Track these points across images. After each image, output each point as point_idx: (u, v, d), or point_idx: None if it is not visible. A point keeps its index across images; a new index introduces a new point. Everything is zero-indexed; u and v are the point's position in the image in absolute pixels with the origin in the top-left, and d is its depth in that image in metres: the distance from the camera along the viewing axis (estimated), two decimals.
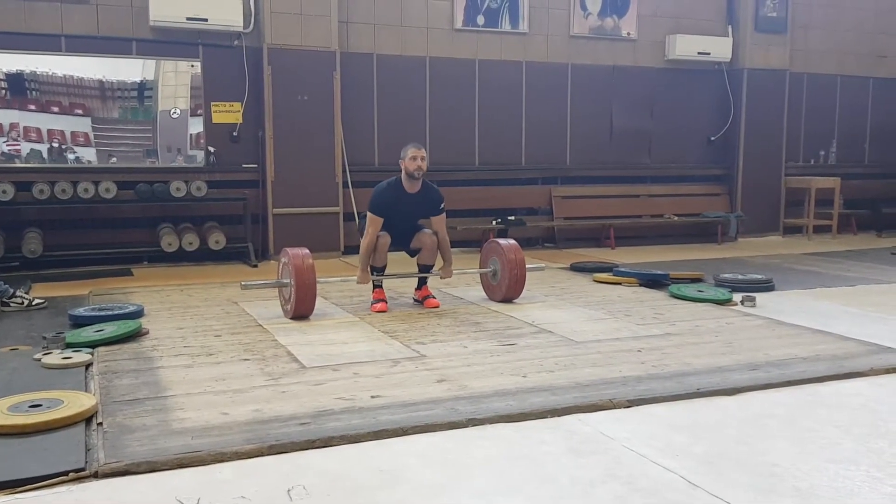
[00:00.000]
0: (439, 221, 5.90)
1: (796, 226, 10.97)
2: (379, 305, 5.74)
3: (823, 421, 3.44)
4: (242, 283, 5.68)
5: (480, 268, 6.31)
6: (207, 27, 8.02)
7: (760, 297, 6.04)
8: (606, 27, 10.08)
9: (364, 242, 5.75)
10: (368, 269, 5.80)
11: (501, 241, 6.21)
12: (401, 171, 5.77)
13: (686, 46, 10.20)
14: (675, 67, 10.42)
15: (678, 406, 3.62)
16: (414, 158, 5.67)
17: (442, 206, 5.89)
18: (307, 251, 5.49)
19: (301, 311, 5.39)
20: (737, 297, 6.05)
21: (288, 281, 5.46)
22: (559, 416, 3.46)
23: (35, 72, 7.83)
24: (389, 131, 9.01)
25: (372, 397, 3.67)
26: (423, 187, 5.82)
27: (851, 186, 11.22)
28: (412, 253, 6.02)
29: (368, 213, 5.75)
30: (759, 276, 6.77)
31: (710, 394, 3.78)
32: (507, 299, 6.02)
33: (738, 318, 5.49)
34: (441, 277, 6.01)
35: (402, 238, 5.90)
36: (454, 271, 6.06)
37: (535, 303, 6.03)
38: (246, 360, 4.37)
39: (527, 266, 6.08)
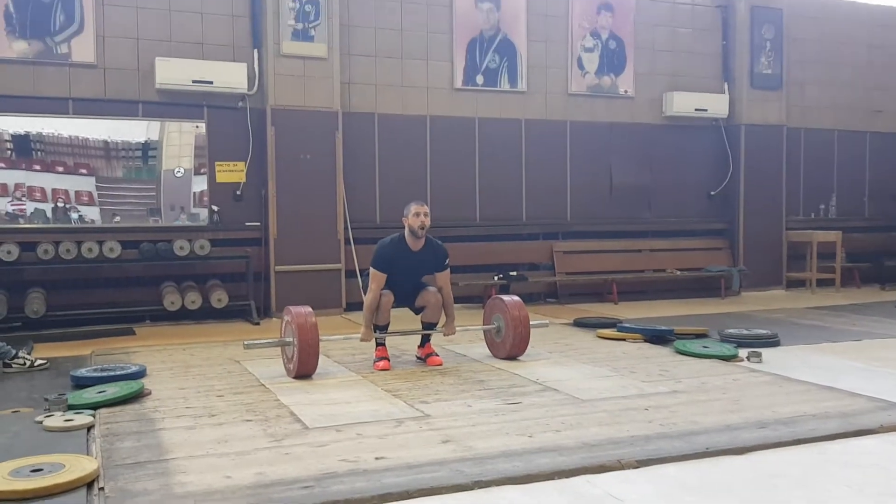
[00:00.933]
0: (443, 277, 5.89)
1: (799, 279, 10.97)
2: (382, 364, 5.70)
3: (835, 480, 3.39)
4: (245, 342, 5.66)
5: (484, 324, 6.29)
6: (212, 89, 8.16)
7: (766, 353, 6.01)
8: (604, 85, 10.24)
9: (367, 299, 5.74)
10: (371, 326, 5.78)
11: (505, 297, 6.18)
12: (404, 228, 5.79)
13: (683, 103, 10.35)
14: (672, 124, 10.55)
15: (688, 466, 3.57)
16: (417, 215, 5.69)
17: (446, 262, 5.89)
18: (310, 309, 5.47)
19: (304, 370, 5.36)
20: (742, 352, 6.01)
21: (291, 340, 5.44)
22: (567, 477, 3.41)
23: (41, 133, 7.93)
24: (391, 189, 9.08)
25: (376, 459, 3.63)
26: (427, 244, 5.83)
27: (853, 240, 11.26)
28: (417, 310, 6.00)
29: (371, 269, 5.75)
30: (765, 332, 6.73)
31: (720, 453, 3.73)
32: (512, 356, 5.98)
33: (744, 374, 5.44)
34: (444, 335, 5.99)
35: (405, 295, 5.89)
36: (457, 328, 6.03)
37: (540, 360, 5.99)
38: (248, 420, 4.32)
39: (531, 322, 6.05)
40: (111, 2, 8.03)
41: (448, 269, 5.92)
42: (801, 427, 4.13)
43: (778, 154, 10.88)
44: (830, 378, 5.26)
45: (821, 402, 4.65)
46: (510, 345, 5.95)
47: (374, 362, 5.75)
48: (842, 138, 11.58)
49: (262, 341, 5.74)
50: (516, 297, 6.18)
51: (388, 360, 5.76)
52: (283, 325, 5.66)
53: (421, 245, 5.78)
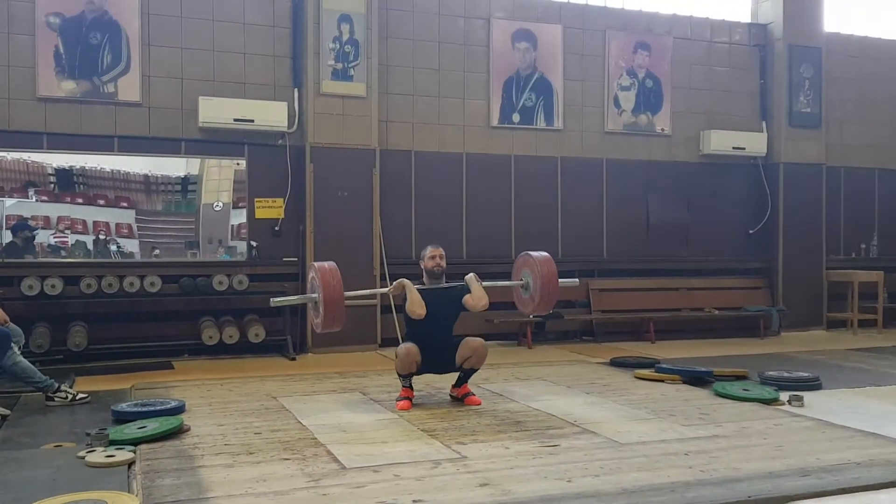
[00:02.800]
0: (471, 297, 5.80)
1: (840, 320, 10.78)
2: (402, 403, 5.65)
3: None
4: (273, 300, 5.88)
5: (512, 280, 6.21)
6: (253, 127, 8.31)
7: (808, 396, 5.90)
8: (640, 123, 10.25)
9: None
10: None
11: (533, 253, 6.05)
12: (422, 274, 5.93)
13: (721, 142, 10.31)
14: (710, 162, 10.51)
15: None
16: (433, 257, 5.87)
17: (466, 294, 5.84)
18: (334, 265, 5.49)
19: (330, 324, 5.41)
20: (783, 395, 5.90)
21: (316, 295, 5.50)
22: None
23: (84, 167, 8.14)
24: (426, 224, 9.14)
25: (413, 502, 3.62)
26: (448, 285, 5.91)
27: (895, 280, 11.05)
28: (457, 367, 5.83)
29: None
30: (806, 374, 6.62)
31: (763, 502, 3.67)
32: (539, 313, 6.02)
33: (786, 418, 5.35)
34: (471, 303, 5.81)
35: (436, 353, 5.74)
36: (484, 287, 5.87)
37: (577, 400, 5.94)
38: (286, 459, 4.34)
39: (560, 280, 5.94)
40: (157, 42, 8.25)
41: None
42: (845, 475, 4.04)
43: (817, 193, 10.77)
44: (875, 424, 5.15)
45: (865, 448, 4.56)
46: (538, 300, 5.88)
47: (397, 401, 5.72)
48: (883, 177, 11.43)
49: (289, 298, 6.03)
50: (545, 253, 6.06)
51: (410, 401, 5.71)
52: (310, 280, 5.75)
53: (440, 284, 5.89)
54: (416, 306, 5.64)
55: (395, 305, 8.74)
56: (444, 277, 5.95)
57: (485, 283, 5.91)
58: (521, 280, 6.09)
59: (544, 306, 5.96)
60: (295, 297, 5.84)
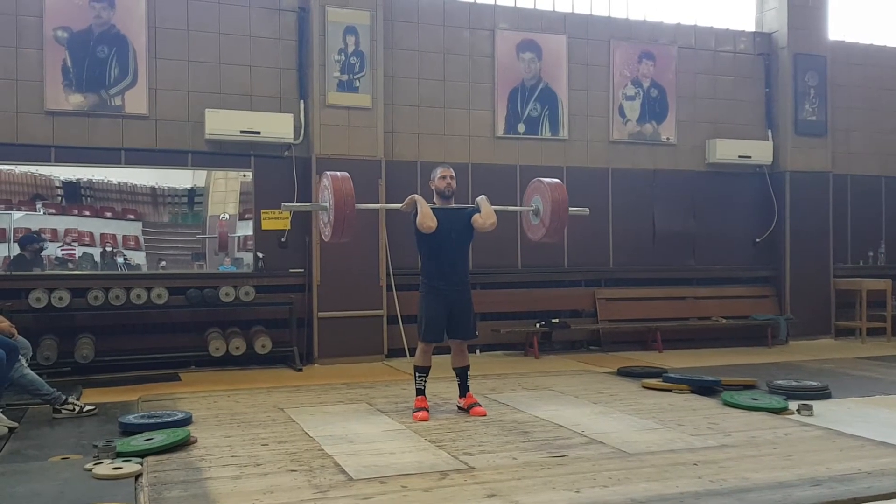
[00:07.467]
0: (479, 216, 5.76)
1: (848, 328, 10.73)
2: (420, 414, 5.66)
3: None
4: (283, 204, 6.00)
5: (521, 206, 6.16)
6: (259, 139, 8.33)
7: (817, 405, 5.86)
8: (645, 133, 10.25)
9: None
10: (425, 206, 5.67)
11: (546, 179, 6.04)
12: (432, 195, 5.89)
13: (726, 150, 10.31)
14: (716, 171, 10.50)
15: None
16: (443, 178, 5.83)
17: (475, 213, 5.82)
18: (346, 174, 5.53)
19: (339, 234, 5.46)
20: (792, 405, 5.88)
21: (327, 203, 5.50)
22: None
23: (91, 180, 8.18)
24: None
25: None
26: (457, 206, 5.89)
27: None
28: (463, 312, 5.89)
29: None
30: (815, 383, 6.60)
31: None
32: (549, 240, 5.98)
33: (795, 428, 5.32)
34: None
35: (451, 275, 5.78)
36: (494, 208, 5.81)
37: (584, 410, 5.92)
38: (293, 471, 4.32)
39: (570, 209, 5.91)
40: (164, 56, 8.29)
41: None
42: (856, 485, 4.01)
43: (824, 201, 10.75)
44: (885, 433, 5.12)
45: (875, 458, 4.53)
46: (548, 226, 5.83)
47: (413, 412, 5.72)
48: (889, 184, 11.41)
49: (301, 204, 6.16)
50: (556, 180, 6.07)
51: (428, 412, 5.72)
52: (321, 189, 5.73)
53: (451, 205, 5.87)
54: (427, 218, 5.62)
55: (401, 316, 8.76)
56: (454, 201, 5.90)
57: (495, 207, 5.85)
58: (532, 206, 6.07)
59: (553, 233, 5.92)
60: (308, 204, 5.86)
